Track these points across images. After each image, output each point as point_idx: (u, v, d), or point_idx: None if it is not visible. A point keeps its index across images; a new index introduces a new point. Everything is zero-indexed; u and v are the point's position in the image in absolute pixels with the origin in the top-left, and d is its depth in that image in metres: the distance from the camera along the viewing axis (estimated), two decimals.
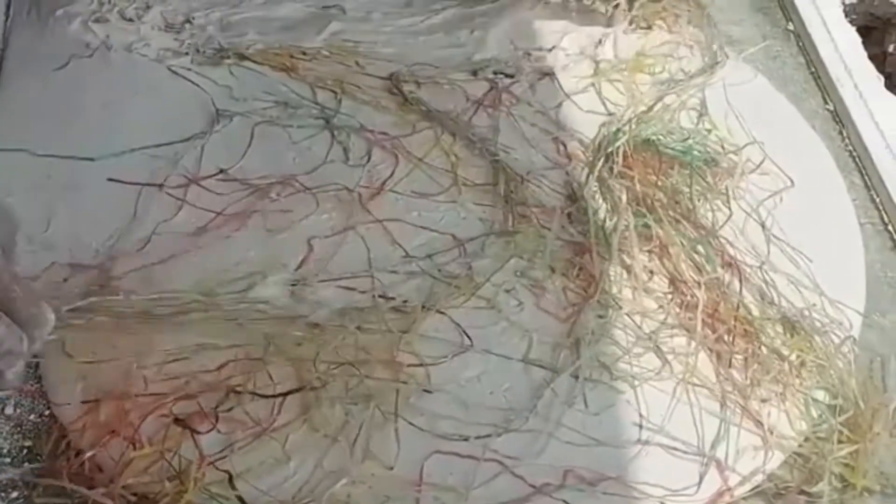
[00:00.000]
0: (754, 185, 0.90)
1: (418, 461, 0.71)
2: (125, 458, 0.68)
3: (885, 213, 0.90)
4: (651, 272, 0.83)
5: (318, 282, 0.81)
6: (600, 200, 0.86)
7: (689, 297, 0.80)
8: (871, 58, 1.04)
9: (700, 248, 0.83)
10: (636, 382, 0.76)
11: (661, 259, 0.83)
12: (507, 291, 0.82)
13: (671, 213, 0.86)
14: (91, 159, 0.88)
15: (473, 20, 1.05)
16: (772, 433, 0.74)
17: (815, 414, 0.76)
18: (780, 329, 0.80)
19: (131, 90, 0.95)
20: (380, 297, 0.80)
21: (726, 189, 0.88)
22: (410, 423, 0.73)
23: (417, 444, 0.72)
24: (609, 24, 1.05)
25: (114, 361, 0.74)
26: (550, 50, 1.02)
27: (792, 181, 0.90)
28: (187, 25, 1.03)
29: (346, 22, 1.04)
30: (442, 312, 0.80)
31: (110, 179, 0.87)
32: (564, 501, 0.69)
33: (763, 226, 0.87)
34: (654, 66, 1.01)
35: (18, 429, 0.72)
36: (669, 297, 0.81)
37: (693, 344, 0.78)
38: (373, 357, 0.76)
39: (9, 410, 0.73)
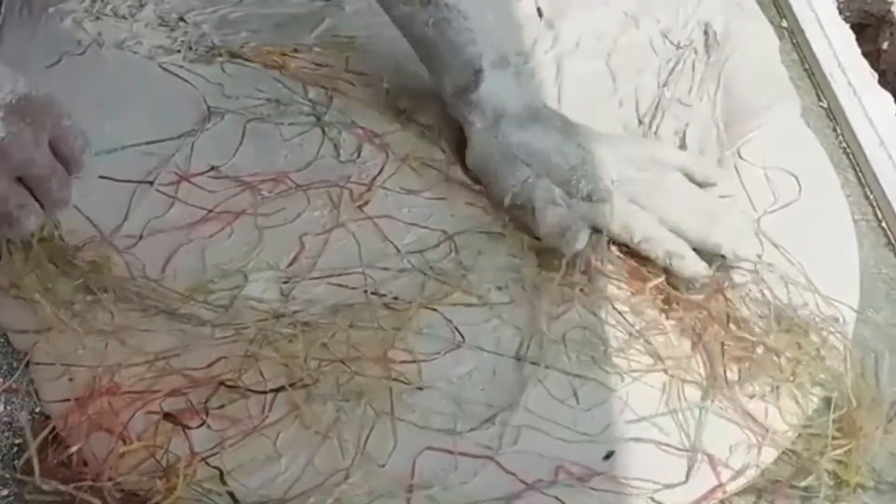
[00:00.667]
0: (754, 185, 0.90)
1: (410, 458, 0.71)
2: (114, 454, 0.68)
3: (879, 209, 0.90)
4: (650, 271, 0.82)
5: (309, 279, 0.81)
6: None
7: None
8: (866, 55, 1.04)
9: None
10: (627, 379, 0.76)
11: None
12: (500, 289, 0.82)
13: None
14: None
15: None
16: (767, 432, 0.74)
17: (808, 410, 0.76)
18: (773, 325, 0.79)
19: (123, 88, 0.95)
20: (372, 293, 0.80)
21: None
22: (402, 420, 0.73)
23: (408, 440, 0.72)
24: None
25: (104, 357, 0.74)
26: None
27: (799, 183, 0.90)
28: (181, 23, 1.02)
29: (341, 17, 1.04)
30: (434, 309, 0.79)
31: (101, 177, 0.86)
32: (556, 498, 0.69)
33: (758, 222, 0.87)
34: None
35: (9, 426, 0.72)
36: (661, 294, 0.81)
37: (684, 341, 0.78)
38: (364, 354, 0.76)
39: None
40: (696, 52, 1.01)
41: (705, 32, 1.02)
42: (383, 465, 0.70)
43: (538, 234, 0.82)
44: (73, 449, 0.68)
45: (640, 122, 0.94)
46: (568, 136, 0.85)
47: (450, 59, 0.86)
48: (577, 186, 0.82)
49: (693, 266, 0.80)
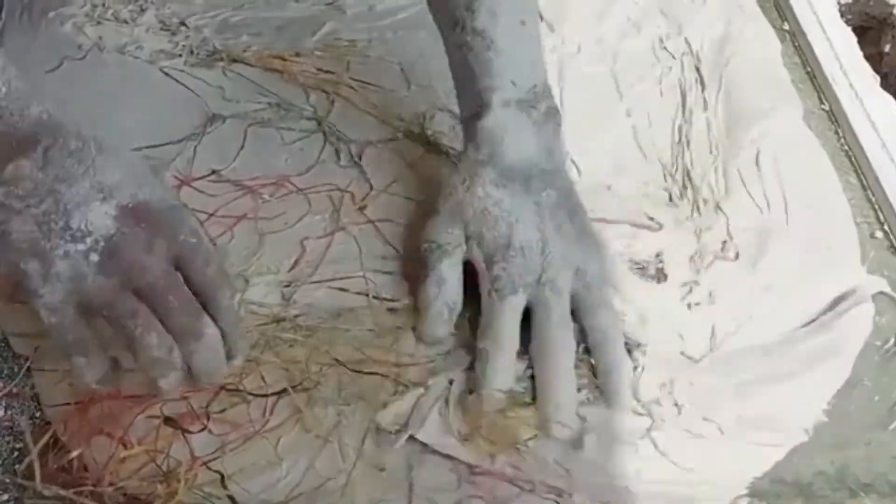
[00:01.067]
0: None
1: (410, 461, 0.71)
2: (114, 459, 0.68)
3: (882, 212, 0.90)
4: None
5: (311, 282, 0.81)
6: None
7: None
8: (867, 58, 1.04)
9: None
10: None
11: None
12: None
13: None
14: None
15: None
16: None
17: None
18: None
19: (124, 92, 0.95)
20: (373, 297, 0.80)
21: None
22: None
23: (409, 444, 0.71)
24: None
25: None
26: None
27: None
28: (182, 28, 1.03)
29: (342, 21, 1.04)
30: None
31: None
32: (556, 501, 0.69)
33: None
34: None
35: (10, 430, 0.72)
36: None
37: None
38: (366, 358, 0.76)
39: None
40: (697, 59, 1.01)
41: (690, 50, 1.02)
42: (383, 469, 0.70)
43: (414, 296, 0.79)
44: (74, 454, 0.68)
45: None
46: (541, 216, 0.78)
47: (462, 86, 0.83)
48: (495, 272, 0.76)
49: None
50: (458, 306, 0.77)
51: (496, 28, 0.79)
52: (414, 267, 0.81)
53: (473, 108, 0.81)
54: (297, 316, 0.78)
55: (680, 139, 0.94)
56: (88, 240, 0.62)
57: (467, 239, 0.78)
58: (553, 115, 0.82)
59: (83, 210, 0.63)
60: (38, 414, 0.73)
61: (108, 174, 0.64)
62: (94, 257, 0.62)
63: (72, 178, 0.63)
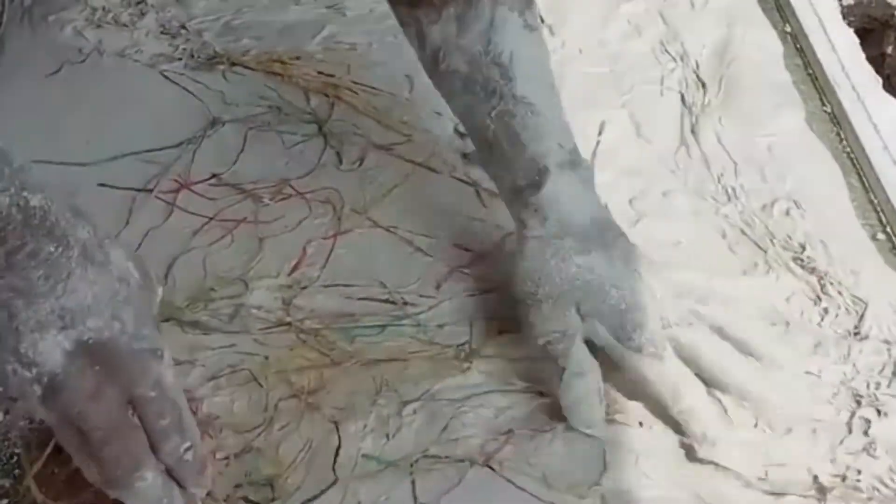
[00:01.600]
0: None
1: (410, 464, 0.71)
2: None
3: (883, 213, 0.89)
4: None
5: (311, 287, 0.81)
6: None
7: None
8: (870, 59, 1.04)
9: None
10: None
11: None
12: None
13: None
14: (83, 164, 0.88)
15: None
16: None
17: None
18: None
19: (124, 95, 0.95)
20: (374, 301, 0.80)
21: None
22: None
23: (411, 447, 0.72)
24: None
25: None
26: None
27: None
28: (183, 31, 1.03)
29: (342, 24, 1.04)
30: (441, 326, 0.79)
31: (101, 184, 0.86)
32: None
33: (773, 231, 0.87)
34: None
35: (8, 435, 0.72)
36: None
37: None
38: (368, 361, 0.76)
39: None
40: (696, 64, 1.01)
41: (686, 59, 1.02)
42: (382, 469, 0.70)
43: (555, 394, 0.73)
44: (73, 464, 0.68)
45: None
46: (628, 264, 0.75)
47: (511, 155, 0.76)
48: (629, 334, 0.73)
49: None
50: (602, 385, 0.73)
51: (535, 93, 0.76)
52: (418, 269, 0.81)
53: (527, 177, 0.75)
54: (297, 320, 0.78)
55: (682, 140, 0.94)
56: (35, 370, 0.57)
57: (584, 318, 0.74)
58: (588, 167, 0.78)
59: (34, 337, 0.56)
60: (38, 419, 0.72)
61: (78, 296, 0.57)
62: (38, 390, 0.57)
63: (32, 296, 0.56)
